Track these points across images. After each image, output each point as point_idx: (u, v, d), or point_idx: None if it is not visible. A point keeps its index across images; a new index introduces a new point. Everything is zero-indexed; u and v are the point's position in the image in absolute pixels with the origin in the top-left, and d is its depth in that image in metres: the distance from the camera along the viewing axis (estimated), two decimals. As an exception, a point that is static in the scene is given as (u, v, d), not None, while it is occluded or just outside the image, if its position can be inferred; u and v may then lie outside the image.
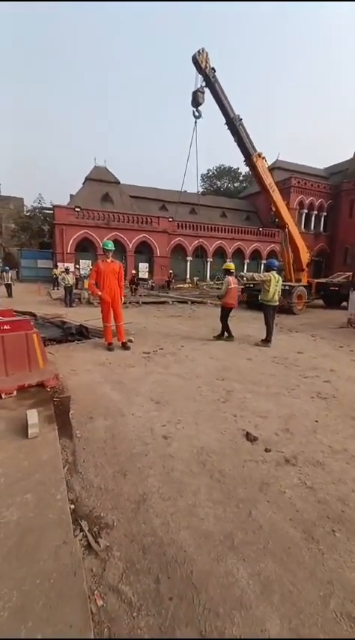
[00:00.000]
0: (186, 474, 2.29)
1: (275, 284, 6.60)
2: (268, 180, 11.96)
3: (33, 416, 2.63)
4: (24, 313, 7.75)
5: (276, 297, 6.70)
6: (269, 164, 34.13)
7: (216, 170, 51.70)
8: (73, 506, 1.93)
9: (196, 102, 10.53)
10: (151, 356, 5.36)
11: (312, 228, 33.20)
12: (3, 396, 3.28)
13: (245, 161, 11.91)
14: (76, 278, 16.84)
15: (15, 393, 3.37)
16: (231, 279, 6.84)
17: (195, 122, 10.71)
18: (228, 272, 6.94)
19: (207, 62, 10.34)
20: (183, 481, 2.22)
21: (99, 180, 28.36)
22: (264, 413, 3.32)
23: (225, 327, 6.93)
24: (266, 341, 6.55)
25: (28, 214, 36.08)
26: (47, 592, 1.36)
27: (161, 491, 2.11)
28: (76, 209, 23.90)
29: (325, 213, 33.53)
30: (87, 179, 28.46)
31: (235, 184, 50.68)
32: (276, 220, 13.06)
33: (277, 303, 6.79)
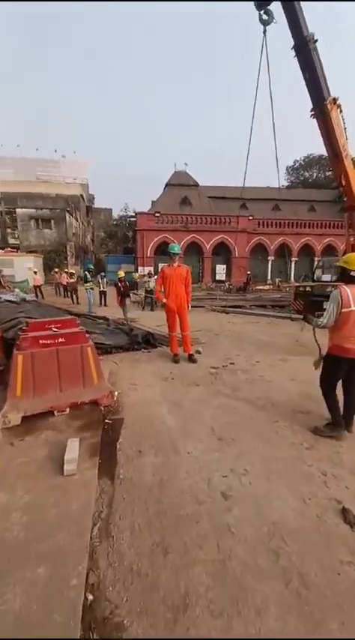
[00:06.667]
0: (249, 569, 1.61)
1: None
2: (342, 140, 8.46)
3: (73, 449, 2.30)
4: (99, 318, 7.97)
5: None
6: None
7: (303, 160, 47.35)
8: (91, 597, 1.46)
9: None
10: (219, 372, 4.70)
11: None
12: (56, 413, 3.10)
13: (312, 110, 8.39)
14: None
15: (68, 410, 3.16)
16: (346, 291, 2.69)
17: (264, 31, 7.47)
18: (344, 273, 2.85)
19: None
20: (243, 583, 1.54)
21: (179, 184, 28.79)
22: (369, 475, 2.36)
23: (332, 407, 2.95)
24: None
25: (114, 223, 39.28)
26: None
27: (210, 595, 1.49)
28: (156, 214, 24.69)
29: None
30: (167, 185, 29.22)
31: (327, 173, 45.45)
32: (344, 198, 9.26)
33: None
